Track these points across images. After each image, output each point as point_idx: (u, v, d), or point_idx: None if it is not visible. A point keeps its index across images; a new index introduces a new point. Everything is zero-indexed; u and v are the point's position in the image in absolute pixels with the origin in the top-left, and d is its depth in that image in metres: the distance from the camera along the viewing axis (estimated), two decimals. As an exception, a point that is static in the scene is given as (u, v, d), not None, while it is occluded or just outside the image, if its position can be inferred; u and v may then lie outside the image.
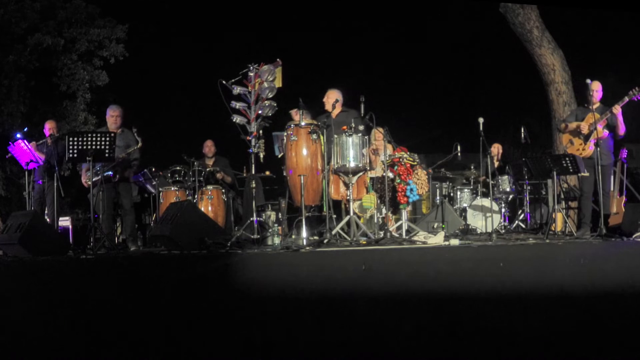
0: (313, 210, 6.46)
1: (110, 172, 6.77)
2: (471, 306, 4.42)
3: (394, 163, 6.38)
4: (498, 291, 4.50)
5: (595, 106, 6.65)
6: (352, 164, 5.89)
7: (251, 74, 6.14)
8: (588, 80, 6.61)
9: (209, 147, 8.50)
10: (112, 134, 6.29)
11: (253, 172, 6.24)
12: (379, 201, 6.36)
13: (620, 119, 6.55)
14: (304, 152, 5.95)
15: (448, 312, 4.39)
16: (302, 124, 5.98)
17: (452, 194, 8.99)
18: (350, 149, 5.89)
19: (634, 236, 6.15)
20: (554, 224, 7.09)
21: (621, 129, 6.61)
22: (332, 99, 6.63)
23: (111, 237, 6.99)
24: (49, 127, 7.67)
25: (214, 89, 6.00)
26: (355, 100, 6.58)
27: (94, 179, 6.31)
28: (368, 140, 6.11)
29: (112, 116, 7.15)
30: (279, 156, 7.49)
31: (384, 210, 6.23)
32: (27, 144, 7.27)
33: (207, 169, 8.00)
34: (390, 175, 6.34)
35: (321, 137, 5.99)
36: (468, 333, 4.34)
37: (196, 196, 7.49)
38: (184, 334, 4.13)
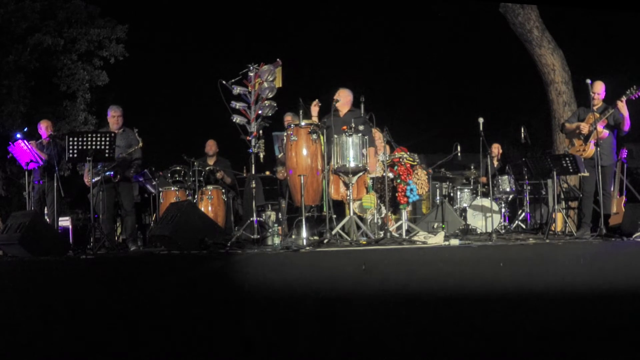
0: (313, 210, 6.45)
1: (111, 172, 6.78)
2: (471, 306, 4.42)
3: (394, 163, 6.38)
4: (498, 291, 4.50)
5: (597, 106, 6.63)
6: (352, 164, 5.88)
7: (251, 74, 6.13)
8: (588, 80, 6.57)
9: (210, 146, 8.49)
10: (113, 134, 6.29)
11: (253, 172, 6.24)
12: (379, 201, 6.36)
13: (625, 114, 6.51)
14: (304, 152, 5.95)
15: (448, 312, 4.38)
16: (302, 124, 5.98)
17: (452, 194, 8.99)
18: (350, 149, 5.88)
19: (634, 236, 6.15)
20: (554, 224, 7.09)
21: (626, 125, 6.55)
22: (339, 97, 6.56)
23: (111, 237, 6.99)
24: (44, 126, 7.65)
25: (214, 88, 6.00)
26: (356, 100, 6.58)
27: (95, 179, 6.31)
28: (368, 141, 6.09)
29: (114, 116, 7.16)
30: (279, 156, 7.49)
31: (384, 210, 6.23)
32: (27, 144, 7.26)
33: (207, 168, 8.00)
34: (390, 175, 6.33)
35: (321, 137, 5.99)
36: (468, 333, 4.34)
37: (196, 196, 7.49)
38: (184, 334, 4.13)
